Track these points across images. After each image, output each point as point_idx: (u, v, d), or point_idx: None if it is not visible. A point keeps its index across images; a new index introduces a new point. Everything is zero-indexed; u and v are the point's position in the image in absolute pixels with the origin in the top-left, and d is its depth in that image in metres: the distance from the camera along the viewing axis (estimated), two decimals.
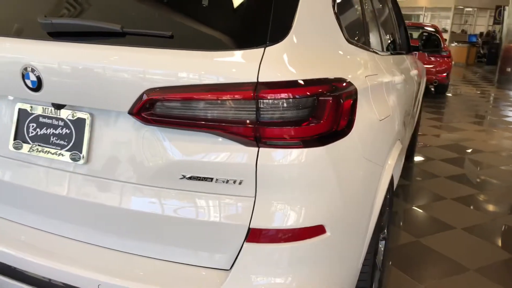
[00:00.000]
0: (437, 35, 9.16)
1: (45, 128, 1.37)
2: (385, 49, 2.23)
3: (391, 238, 2.80)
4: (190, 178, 1.22)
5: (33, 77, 1.28)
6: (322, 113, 1.21)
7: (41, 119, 1.38)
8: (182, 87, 1.16)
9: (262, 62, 1.14)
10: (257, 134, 1.16)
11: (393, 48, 2.61)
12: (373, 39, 2.01)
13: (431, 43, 9.07)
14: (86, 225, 1.37)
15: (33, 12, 1.39)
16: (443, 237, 2.89)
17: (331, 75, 1.29)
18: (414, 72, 3.02)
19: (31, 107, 1.39)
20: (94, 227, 1.36)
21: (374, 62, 1.78)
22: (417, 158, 4.65)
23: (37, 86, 1.28)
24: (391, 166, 1.72)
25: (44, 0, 1.43)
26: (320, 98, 1.20)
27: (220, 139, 1.18)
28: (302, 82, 1.17)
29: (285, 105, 1.16)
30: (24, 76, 1.28)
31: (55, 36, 1.28)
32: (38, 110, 1.38)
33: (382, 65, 1.90)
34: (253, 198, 1.21)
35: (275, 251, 1.23)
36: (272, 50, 1.17)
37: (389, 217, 2.22)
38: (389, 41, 2.52)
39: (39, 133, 1.38)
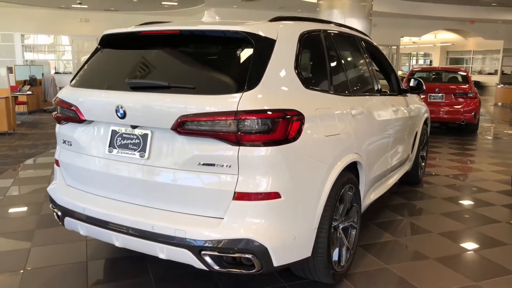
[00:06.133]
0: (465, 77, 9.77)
1: (125, 140, 2.43)
2: (352, 92, 3.13)
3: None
4: (203, 164, 2.21)
5: (121, 111, 2.35)
6: (275, 128, 2.17)
7: (124, 135, 2.45)
8: (199, 114, 2.17)
9: (240, 100, 2.13)
10: (238, 138, 2.14)
11: (366, 91, 3.52)
12: (337, 86, 2.92)
13: (460, 84, 9.67)
14: (145, 195, 2.38)
15: (122, 76, 2.50)
16: (420, 238, 3.63)
17: (285, 107, 2.25)
18: (394, 109, 3.87)
19: (119, 128, 2.46)
20: (150, 196, 2.36)
21: (329, 101, 2.71)
22: (424, 184, 5.33)
23: (123, 116, 2.35)
24: (340, 167, 2.60)
25: (128, 70, 2.55)
26: (275, 119, 2.17)
27: (219, 141, 2.16)
28: (263, 110, 2.15)
29: (253, 122, 2.13)
30: (116, 111, 2.36)
31: (134, 89, 2.36)
32: (122, 130, 2.45)
33: (340, 103, 2.82)
34: (237, 175, 2.17)
35: (250, 206, 2.17)
36: (247, 93, 2.16)
37: (358, 212, 3.04)
38: (360, 87, 3.44)
39: (122, 143, 2.44)
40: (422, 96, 9.10)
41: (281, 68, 2.40)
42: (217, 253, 2.17)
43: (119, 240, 2.42)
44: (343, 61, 3.16)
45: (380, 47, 4.28)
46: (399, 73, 21.85)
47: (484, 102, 17.59)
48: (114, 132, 2.48)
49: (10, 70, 11.37)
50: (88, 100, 2.55)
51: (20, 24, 17.94)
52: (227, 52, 2.45)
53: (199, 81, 2.33)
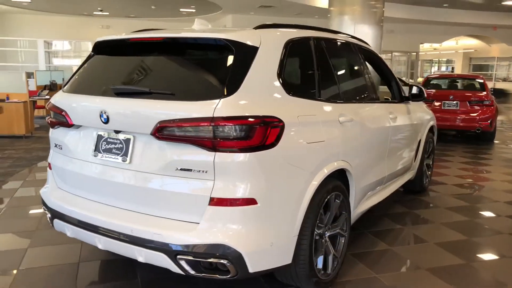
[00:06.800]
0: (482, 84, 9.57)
1: (110, 144, 2.49)
2: (342, 99, 3.11)
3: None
4: (181, 169, 2.24)
5: (105, 116, 2.40)
6: (252, 135, 2.19)
7: (108, 139, 2.50)
8: (177, 120, 2.20)
9: (217, 106, 2.15)
10: (214, 144, 2.16)
11: (360, 98, 3.49)
12: (325, 93, 2.92)
13: (477, 91, 9.47)
14: (126, 199, 2.42)
15: (109, 82, 2.56)
16: (416, 248, 3.57)
17: (263, 113, 2.26)
18: (392, 116, 3.82)
19: (103, 133, 2.52)
20: (130, 200, 2.40)
21: (314, 108, 2.70)
22: (429, 193, 5.23)
23: (107, 121, 2.41)
24: (323, 174, 2.59)
25: (116, 76, 2.61)
26: (252, 126, 2.18)
27: (196, 147, 2.19)
28: (240, 117, 2.16)
29: (229, 129, 2.15)
30: (100, 116, 2.42)
31: (118, 94, 2.42)
32: (107, 135, 2.50)
33: (326, 110, 2.81)
34: (213, 180, 2.19)
35: (226, 211, 2.18)
36: (224, 100, 2.18)
37: (347, 220, 3.01)
38: (352, 94, 3.41)
39: (106, 147, 2.50)
40: (436, 104, 8.98)
41: (263, 75, 2.41)
42: (192, 258, 2.19)
43: (102, 243, 2.47)
44: (334, 69, 3.14)
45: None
46: (419, 79, 21.57)
47: (507, 110, 17.20)
48: (99, 137, 2.54)
49: (30, 75, 11.72)
50: (76, 105, 2.62)
51: (43, 31, 18.52)
52: (208, 59, 2.48)
53: (180, 87, 2.36)
